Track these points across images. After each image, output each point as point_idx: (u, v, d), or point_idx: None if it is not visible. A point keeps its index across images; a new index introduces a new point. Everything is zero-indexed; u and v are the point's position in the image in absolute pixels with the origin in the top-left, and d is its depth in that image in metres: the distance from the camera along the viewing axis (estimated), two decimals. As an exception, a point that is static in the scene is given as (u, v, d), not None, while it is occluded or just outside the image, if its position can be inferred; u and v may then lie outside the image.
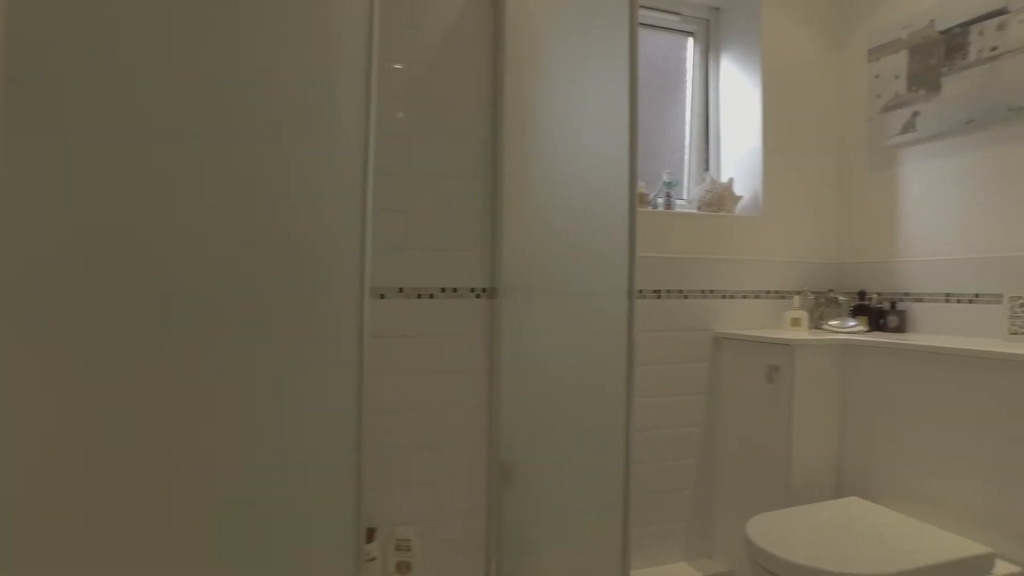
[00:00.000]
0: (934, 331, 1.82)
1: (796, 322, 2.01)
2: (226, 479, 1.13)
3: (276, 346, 1.17)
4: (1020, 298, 1.56)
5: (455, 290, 1.73)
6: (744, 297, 2.05)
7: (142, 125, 1.09)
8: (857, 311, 1.99)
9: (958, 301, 1.76)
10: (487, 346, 1.77)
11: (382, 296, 1.66)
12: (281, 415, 1.17)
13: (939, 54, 1.82)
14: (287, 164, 1.19)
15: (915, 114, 1.89)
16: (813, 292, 2.12)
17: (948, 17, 1.80)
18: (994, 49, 1.68)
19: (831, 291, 2.11)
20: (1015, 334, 1.57)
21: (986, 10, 1.70)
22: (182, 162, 1.12)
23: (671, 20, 2.23)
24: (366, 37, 1.22)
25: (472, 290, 1.75)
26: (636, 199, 1.20)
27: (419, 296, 1.70)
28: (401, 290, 1.69)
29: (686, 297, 1.97)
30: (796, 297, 2.05)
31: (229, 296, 1.14)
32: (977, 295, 1.71)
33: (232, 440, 1.14)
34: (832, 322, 1.97)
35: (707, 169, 2.28)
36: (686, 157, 2.30)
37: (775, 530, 1.37)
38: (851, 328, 1.91)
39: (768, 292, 2.09)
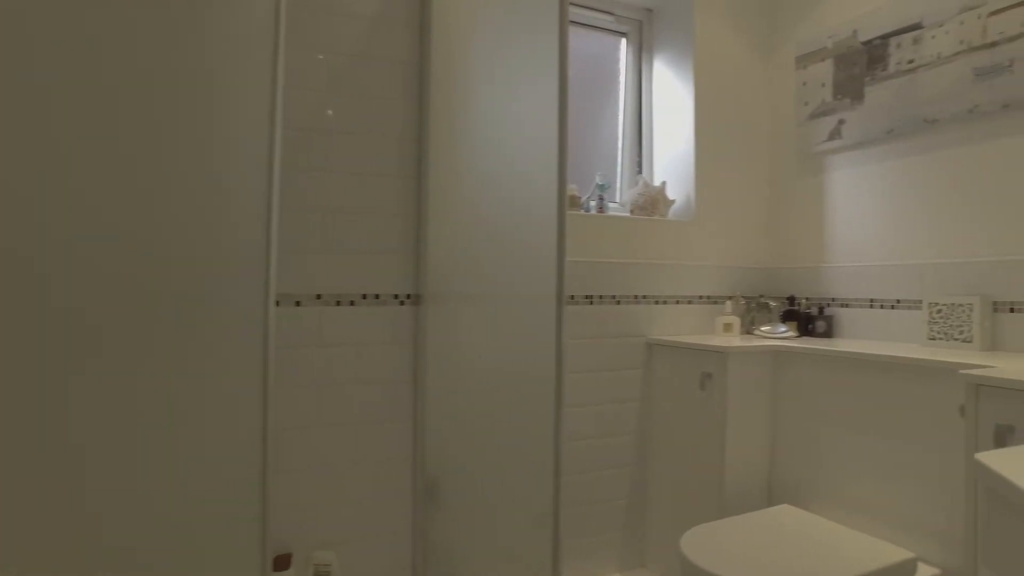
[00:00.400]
0: (859, 336, 1.85)
1: (728, 327, 2.01)
2: (115, 503, 1.03)
3: (170, 357, 1.09)
4: (937, 304, 1.60)
5: (377, 296, 1.63)
6: (677, 302, 2.04)
7: (24, 121, 0.98)
8: (787, 316, 2.01)
9: (881, 307, 1.79)
10: (411, 356, 1.67)
11: (298, 303, 1.54)
12: (176, 432, 1.08)
13: (862, 64, 1.86)
14: (182, 160, 1.11)
15: (841, 122, 1.92)
16: (745, 297, 2.13)
17: (869, 29, 1.84)
18: (911, 62, 1.72)
19: (762, 296, 2.13)
20: (933, 339, 1.61)
21: (903, 24, 1.74)
22: (65, 158, 1.01)
23: (604, 20, 2.20)
24: (272, 22, 1.16)
25: (396, 296, 1.65)
26: (566, 201, 1.14)
27: (338, 303, 1.59)
28: (319, 296, 1.57)
29: (618, 303, 1.93)
30: (728, 302, 2.05)
31: (118, 303, 1.04)
32: (899, 301, 1.74)
33: (120, 461, 1.04)
34: (763, 327, 1.98)
35: (640, 172, 2.26)
36: (619, 159, 2.27)
37: (709, 544, 1.34)
38: (782, 334, 1.93)
39: (700, 297, 2.08)
